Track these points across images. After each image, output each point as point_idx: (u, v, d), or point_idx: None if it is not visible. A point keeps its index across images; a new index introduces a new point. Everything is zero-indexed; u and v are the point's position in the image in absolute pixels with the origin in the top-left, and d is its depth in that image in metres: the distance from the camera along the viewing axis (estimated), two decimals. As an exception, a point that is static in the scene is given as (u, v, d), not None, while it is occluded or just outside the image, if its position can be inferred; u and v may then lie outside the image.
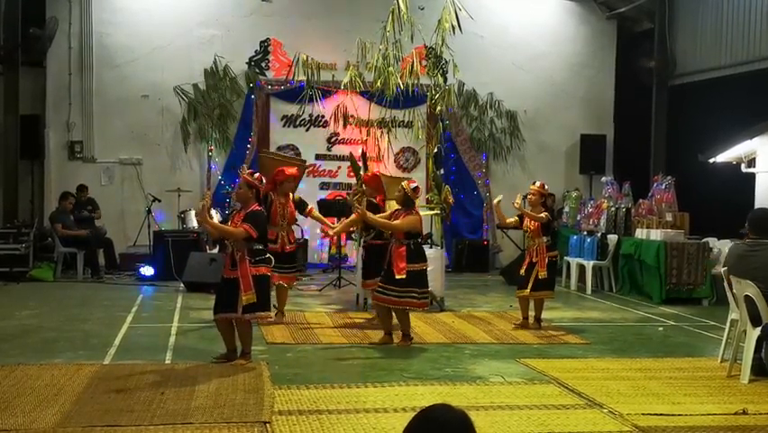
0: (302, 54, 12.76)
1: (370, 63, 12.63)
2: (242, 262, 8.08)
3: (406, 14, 11.95)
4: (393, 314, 9.42)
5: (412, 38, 12.18)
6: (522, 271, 10.54)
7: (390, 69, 12.28)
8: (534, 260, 10.39)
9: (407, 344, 9.33)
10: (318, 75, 13.00)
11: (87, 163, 16.70)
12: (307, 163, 16.70)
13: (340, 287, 13.67)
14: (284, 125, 17.09)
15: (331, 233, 11.07)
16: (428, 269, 11.75)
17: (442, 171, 13.06)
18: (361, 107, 14.25)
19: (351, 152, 13.81)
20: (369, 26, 14.14)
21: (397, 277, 9.10)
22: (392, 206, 10.03)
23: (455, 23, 11.94)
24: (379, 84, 12.34)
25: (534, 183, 10.72)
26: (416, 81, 12.70)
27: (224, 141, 16.85)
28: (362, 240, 11.15)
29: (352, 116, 14.50)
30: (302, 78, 13.26)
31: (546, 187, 10.87)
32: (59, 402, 6.66)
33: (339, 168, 16.97)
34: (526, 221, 10.48)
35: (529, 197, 10.61)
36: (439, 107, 12.90)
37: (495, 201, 10.87)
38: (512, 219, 10.79)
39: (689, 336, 10.45)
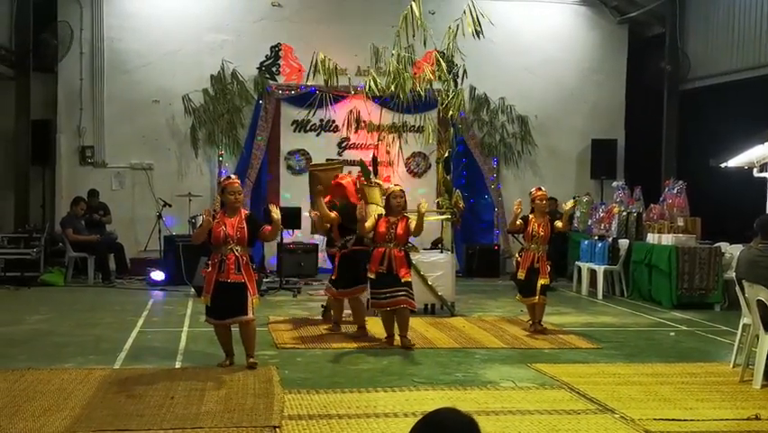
0: (320, 53, 12.59)
1: (383, 68, 12.60)
2: (248, 266, 8.15)
3: (420, 19, 11.90)
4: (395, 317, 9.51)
5: (425, 42, 12.16)
6: (521, 275, 10.47)
7: (406, 74, 12.26)
8: (536, 265, 10.33)
9: (412, 343, 9.41)
10: (336, 77, 12.85)
11: (98, 168, 16.74)
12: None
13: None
14: (294, 130, 17.08)
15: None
16: (438, 274, 11.89)
17: (450, 176, 13.00)
18: (372, 112, 14.23)
19: (361, 159, 13.79)
20: (380, 31, 14.16)
21: (404, 280, 9.32)
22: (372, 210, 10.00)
23: (477, 29, 11.85)
24: (393, 88, 12.31)
25: (539, 189, 10.63)
26: (428, 86, 12.67)
27: (234, 145, 16.86)
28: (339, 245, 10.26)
29: (363, 121, 14.46)
30: (318, 80, 13.14)
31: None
32: (69, 407, 6.66)
33: (350, 173, 16.88)
34: (534, 225, 10.40)
35: (543, 202, 10.52)
36: (451, 112, 12.88)
37: (516, 207, 10.57)
38: (518, 222, 10.66)
39: (700, 342, 10.39)
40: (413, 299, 9.41)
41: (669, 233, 13.41)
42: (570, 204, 10.77)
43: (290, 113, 17.01)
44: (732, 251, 12.74)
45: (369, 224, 9.55)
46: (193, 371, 8.13)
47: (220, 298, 8.14)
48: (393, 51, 12.28)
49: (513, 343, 9.86)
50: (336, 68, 12.70)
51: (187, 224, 15.75)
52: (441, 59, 12.41)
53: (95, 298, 13.35)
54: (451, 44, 12.14)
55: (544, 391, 7.53)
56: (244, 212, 8.36)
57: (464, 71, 13.02)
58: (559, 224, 10.53)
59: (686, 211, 13.78)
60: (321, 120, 16.87)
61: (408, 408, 6.81)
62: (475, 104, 17.64)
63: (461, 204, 12.43)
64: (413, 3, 11.95)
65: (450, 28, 12.15)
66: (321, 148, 17.01)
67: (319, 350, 9.32)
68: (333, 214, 10.06)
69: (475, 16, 11.88)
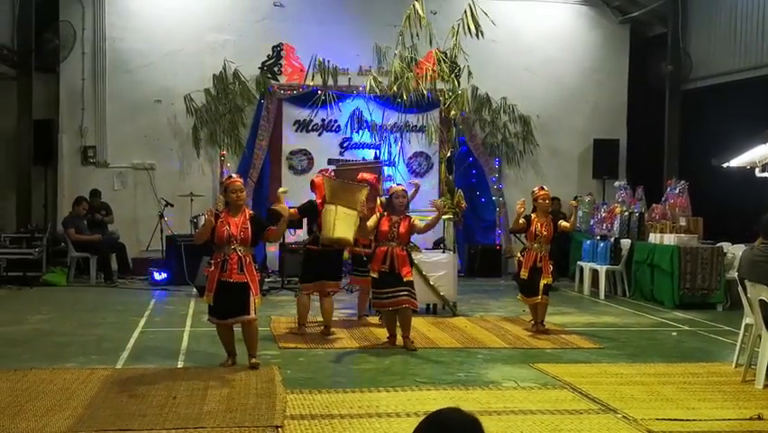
0: (318, 57, 12.57)
1: (387, 68, 12.60)
2: (250, 266, 8.15)
3: (424, 19, 11.86)
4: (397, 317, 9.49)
5: (430, 42, 12.14)
6: (524, 275, 10.45)
7: (410, 74, 12.25)
8: (538, 265, 10.33)
9: (413, 343, 9.40)
10: (336, 79, 12.84)
11: (100, 168, 16.73)
12: (321, 168, 16.76)
13: (353, 291, 13.63)
14: (296, 130, 17.07)
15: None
16: (440, 274, 11.88)
17: (452, 176, 13.00)
18: (374, 112, 14.23)
19: (364, 158, 13.82)
20: (381, 31, 14.15)
21: (406, 280, 9.30)
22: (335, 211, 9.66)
23: (477, 28, 11.83)
24: (395, 88, 12.29)
25: (542, 188, 10.60)
26: (431, 86, 12.67)
27: (236, 145, 16.86)
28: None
29: (365, 121, 14.41)
30: (319, 80, 13.12)
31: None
32: (72, 406, 6.67)
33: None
34: (536, 225, 10.39)
35: (546, 201, 10.49)
36: (453, 112, 12.87)
37: (519, 206, 10.48)
38: (521, 221, 10.65)
39: (703, 341, 10.38)
40: (415, 299, 9.40)
41: (671, 233, 13.41)
42: (573, 203, 10.77)
43: (292, 113, 17.00)
44: (734, 251, 12.74)
45: (371, 223, 9.54)
46: (195, 371, 8.14)
47: (222, 297, 8.12)
48: (396, 51, 12.27)
49: (515, 343, 9.86)
50: (336, 69, 12.70)
51: (188, 223, 15.74)
52: (442, 59, 12.39)
53: (97, 297, 13.35)
54: (454, 44, 12.12)
55: (546, 391, 7.52)
56: (249, 212, 8.36)
57: (469, 72, 13.02)
58: (566, 224, 10.53)
59: (688, 211, 13.76)
60: (323, 120, 16.85)
61: (411, 408, 6.81)
62: (477, 103, 17.63)
63: (463, 203, 12.42)
64: (416, 2, 11.94)
65: (453, 28, 12.14)
66: (323, 148, 17.01)
67: (321, 350, 9.33)
68: (293, 210, 10.10)
69: (475, 15, 11.86)
